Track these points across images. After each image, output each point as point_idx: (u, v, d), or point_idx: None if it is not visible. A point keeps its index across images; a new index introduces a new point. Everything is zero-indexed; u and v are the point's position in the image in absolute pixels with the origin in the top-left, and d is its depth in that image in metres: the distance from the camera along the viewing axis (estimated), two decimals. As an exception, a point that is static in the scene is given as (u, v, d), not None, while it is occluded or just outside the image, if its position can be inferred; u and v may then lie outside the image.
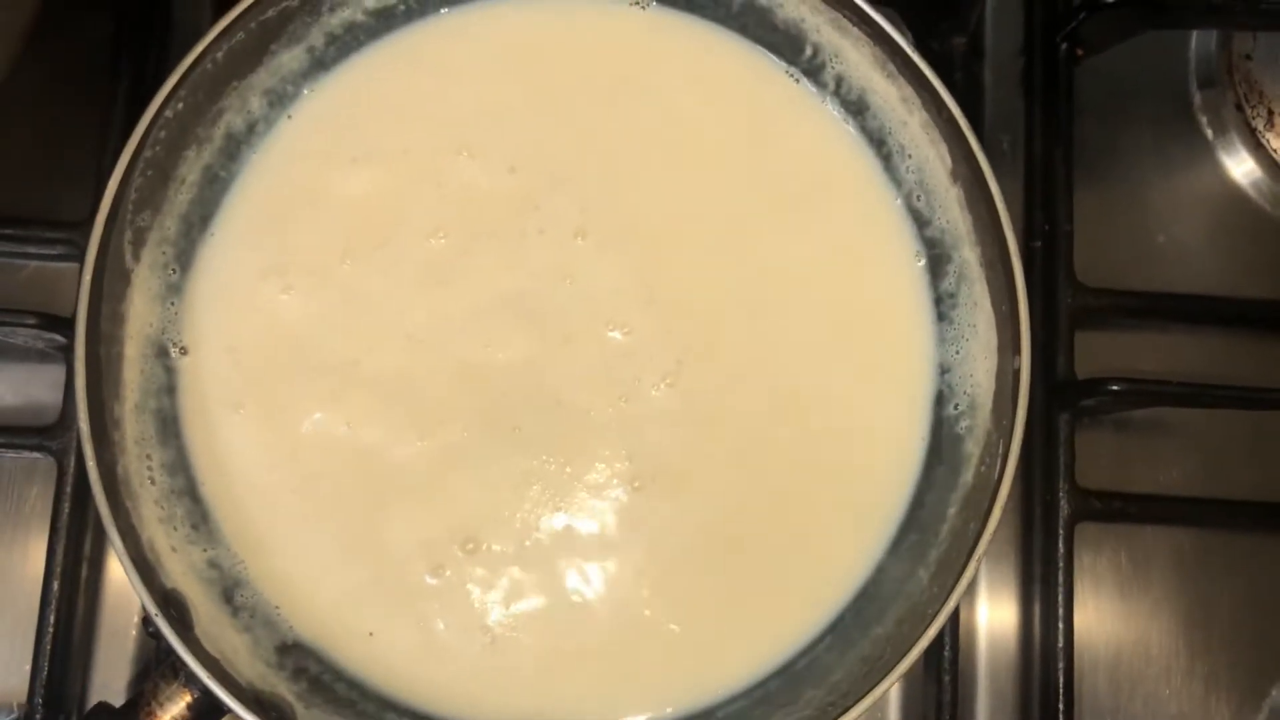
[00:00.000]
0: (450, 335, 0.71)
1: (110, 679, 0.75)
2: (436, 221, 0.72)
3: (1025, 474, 0.80)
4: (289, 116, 0.73)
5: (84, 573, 0.75)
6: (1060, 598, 0.77)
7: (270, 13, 0.68)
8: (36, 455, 0.76)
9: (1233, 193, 0.85)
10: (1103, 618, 0.80)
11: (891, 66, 0.69)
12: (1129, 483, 0.81)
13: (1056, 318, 0.80)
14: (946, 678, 0.75)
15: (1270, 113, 0.83)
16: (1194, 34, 0.87)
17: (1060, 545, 0.78)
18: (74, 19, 0.80)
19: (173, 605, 0.63)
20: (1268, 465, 0.81)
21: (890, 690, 0.74)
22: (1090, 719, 0.79)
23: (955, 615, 0.75)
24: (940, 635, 0.73)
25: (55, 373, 0.77)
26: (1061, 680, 0.76)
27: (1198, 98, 0.86)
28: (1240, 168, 0.85)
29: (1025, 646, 0.79)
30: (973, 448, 0.68)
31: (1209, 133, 0.86)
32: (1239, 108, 0.84)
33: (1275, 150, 0.84)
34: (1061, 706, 0.75)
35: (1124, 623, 0.80)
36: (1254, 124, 0.84)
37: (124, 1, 0.80)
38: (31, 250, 0.78)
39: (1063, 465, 0.78)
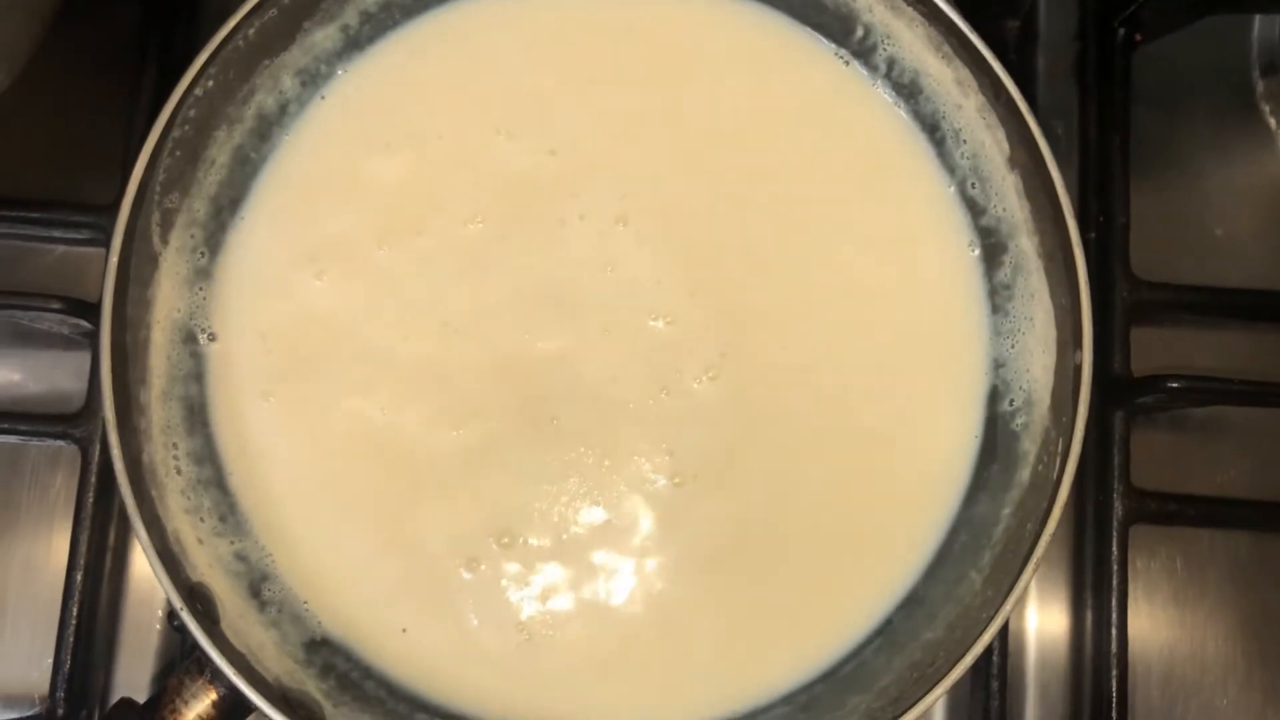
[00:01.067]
0: (488, 324, 0.69)
1: (134, 674, 0.73)
2: (474, 207, 0.70)
3: (1079, 475, 0.74)
4: (322, 97, 0.71)
5: (108, 564, 0.74)
6: (1114, 603, 0.74)
7: (304, -12, 0.66)
8: (60, 443, 0.74)
9: (1295, 183, 0.82)
10: (1157, 624, 0.77)
11: (947, 48, 0.66)
12: (1185, 484, 0.77)
13: (1112, 313, 0.77)
14: (995, 684, 0.72)
15: (1336, 101, 0.80)
16: (1257, 19, 0.83)
17: (1114, 548, 0.75)
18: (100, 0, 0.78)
19: (198, 599, 0.61)
20: (1331, 468, 0.78)
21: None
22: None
23: (1006, 623, 0.72)
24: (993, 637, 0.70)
25: (80, 360, 0.75)
26: (1115, 689, 0.73)
27: (1260, 85, 0.83)
28: (1303, 157, 0.82)
29: (1076, 653, 0.76)
30: (1029, 445, 0.65)
31: (1272, 122, 0.83)
32: (1303, 94, 0.81)
33: (1340, 140, 0.80)
34: (1114, 716, 0.73)
35: (1179, 630, 0.77)
36: (1318, 111, 0.80)
37: (151, -18, 0.78)
38: (58, 234, 0.76)
39: (1117, 465, 0.75)
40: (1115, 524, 0.75)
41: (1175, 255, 0.80)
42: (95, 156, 0.77)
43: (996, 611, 0.60)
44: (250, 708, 0.59)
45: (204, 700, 0.60)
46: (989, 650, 0.71)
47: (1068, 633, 0.77)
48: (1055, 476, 0.61)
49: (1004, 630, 0.73)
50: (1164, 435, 0.79)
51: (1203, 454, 0.79)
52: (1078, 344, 0.62)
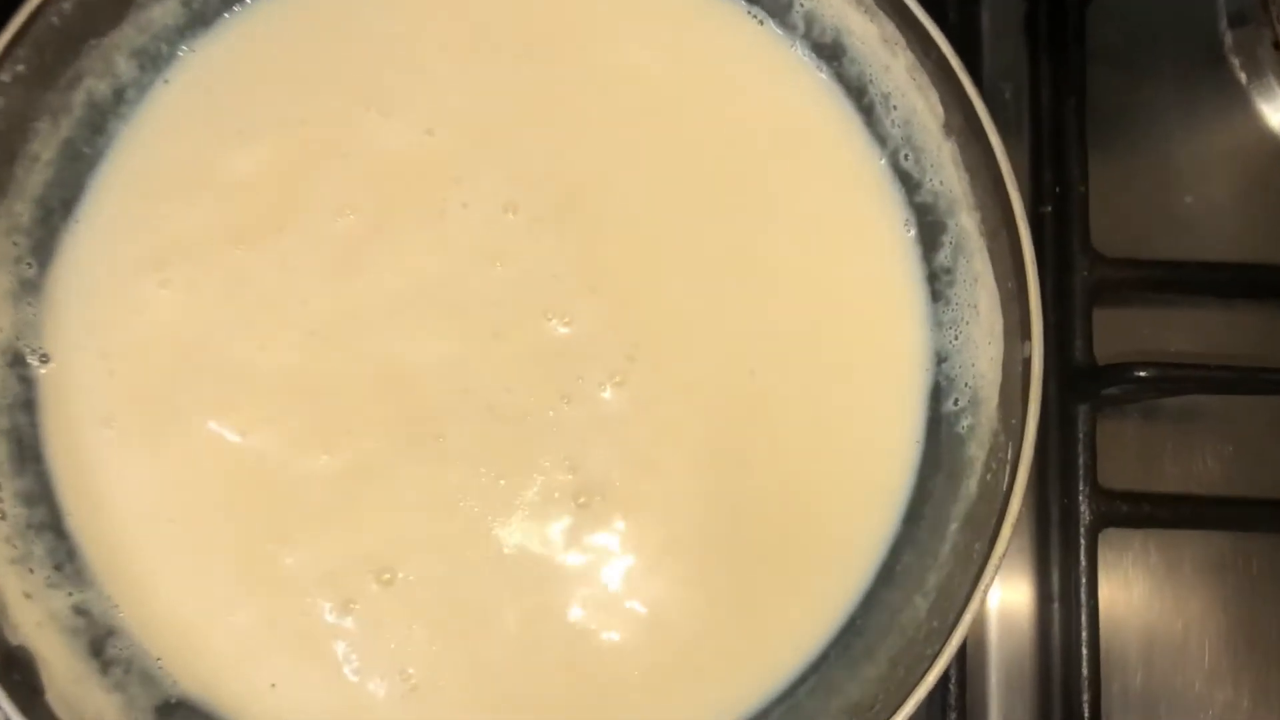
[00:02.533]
0: (360, 330, 0.61)
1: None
2: (342, 197, 0.62)
3: (1040, 475, 0.70)
4: (165, 81, 0.63)
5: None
6: (1083, 618, 0.67)
7: (129, -47, 0.58)
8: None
9: (1271, 145, 0.75)
10: (1131, 637, 0.70)
11: (870, 0, 0.58)
12: (1158, 482, 0.71)
13: (1071, 294, 0.70)
14: (954, 715, 0.64)
15: (1313, 51, 0.72)
16: (1223, -37, 0.76)
17: (1082, 557, 0.68)
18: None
19: (16, 667, 0.52)
20: (1319, 458, 0.71)
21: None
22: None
23: (962, 648, 0.65)
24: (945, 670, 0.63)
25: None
26: (1086, 713, 0.66)
27: (1229, 37, 0.75)
28: (1278, 114, 0.74)
29: (1043, 676, 0.69)
30: (976, 451, 0.58)
31: (1242, 77, 0.75)
32: (1276, 46, 0.73)
33: (1319, 94, 0.73)
34: (1086, 745, 0.65)
35: (1156, 642, 0.70)
36: (1294, 64, 0.72)
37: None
38: None
39: (1082, 464, 0.68)
40: (1083, 529, 0.68)
41: (1140, 228, 0.73)
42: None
43: (944, 645, 0.52)
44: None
45: (22, 786, 0.52)
46: (946, 680, 0.64)
47: (1033, 653, 0.69)
48: (1005, 488, 0.53)
49: (962, 656, 0.65)
50: (1132, 428, 0.72)
51: (1176, 447, 0.72)
52: (1026, 334, 0.54)
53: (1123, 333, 0.71)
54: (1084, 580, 0.67)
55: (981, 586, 0.53)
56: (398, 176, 0.62)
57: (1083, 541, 0.68)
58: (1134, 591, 0.70)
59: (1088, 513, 0.68)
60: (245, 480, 0.60)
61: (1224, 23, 0.76)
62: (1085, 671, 0.66)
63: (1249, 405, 0.71)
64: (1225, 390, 0.68)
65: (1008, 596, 0.70)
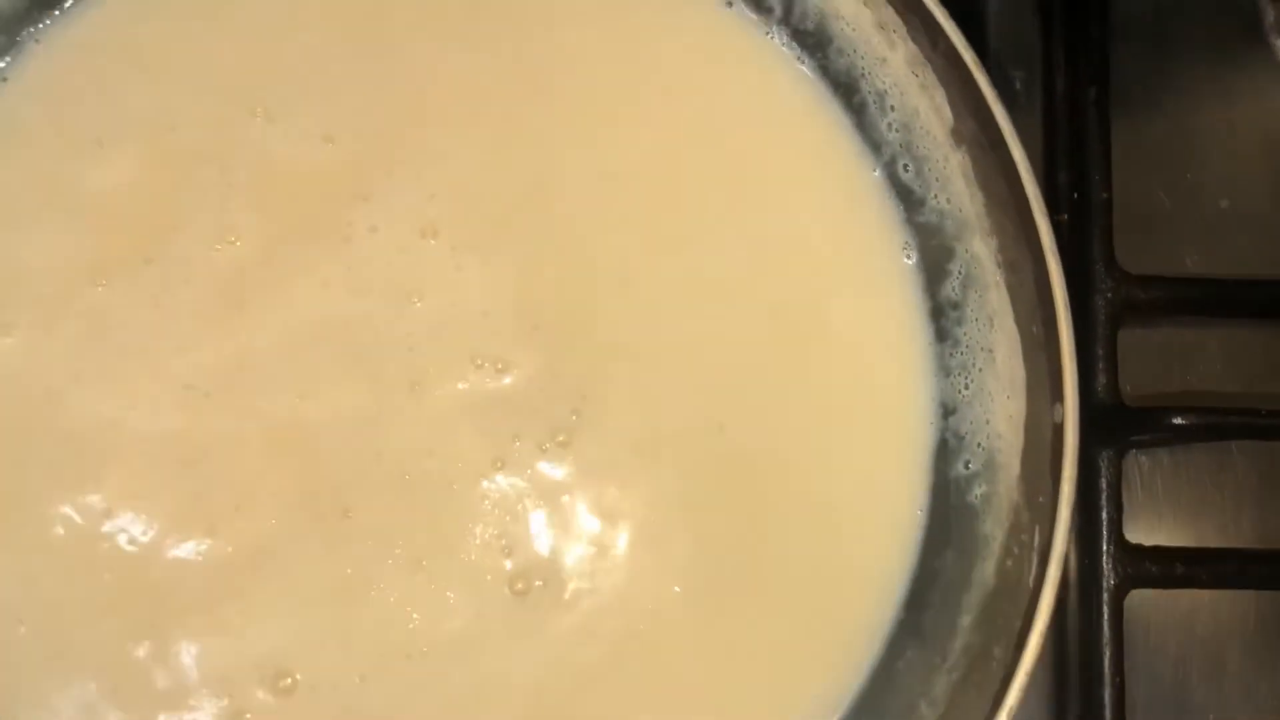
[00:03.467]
0: (249, 383, 0.52)
1: None
2: (223, 220, 0.53)
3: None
4: (3, 79, 0.53)
5: None
6: (1107, 697, 0.58)
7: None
8: None
9: (1319, 139, 0.66)
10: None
11: (862, -22, 0.49)
12: (1191, 535, 0.62)
13: (1092, 318, 0.61)
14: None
15: (1368, 29, 0.63)
16: (1262, -75, 0.66)
17: (1105, 625, 0.59)
18: None
19: None
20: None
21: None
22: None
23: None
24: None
25: None
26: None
27: (1271, 13, 0.66)
28: (1328, 101, 0.66)
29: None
30: (993, 528, 0.49)
31: (1285, 56, 0.66)
32: (1326, 25, 0.64)
33: (1375, 80, 0.64)
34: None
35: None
36: (1346, 42, 0.64)
37: None
38: None
39: (1106, 519, 0.60)
40: (1107, 593, 0.60)
41: (1170, 239, 0.64)
42: None
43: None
44: None
45: None
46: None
47: (1048, 734, 0.61)
48: (1032, 582, 0.44)
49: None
50: (1160, 472, 0.64)
51: (1211, 494, 0.63)
52: (1057, 394, 0.45)
53: (1150, 362, 0.63)
54: (1108, 652, 0.59)
55: (1005, 707, 0.43)
56: (291, 194, 0.53)
57: (1106, 607, 0.59)
58: (1162, 665, 0.62)
59: (1113, 574, 0.59)
60: (111, 571, 0.50)
61: (1265, -3, 0.67)
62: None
63: (1293, 444, 0.63)
64: (1271, 436, 0.59)
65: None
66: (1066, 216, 0.62)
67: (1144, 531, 0.61)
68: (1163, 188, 0.65)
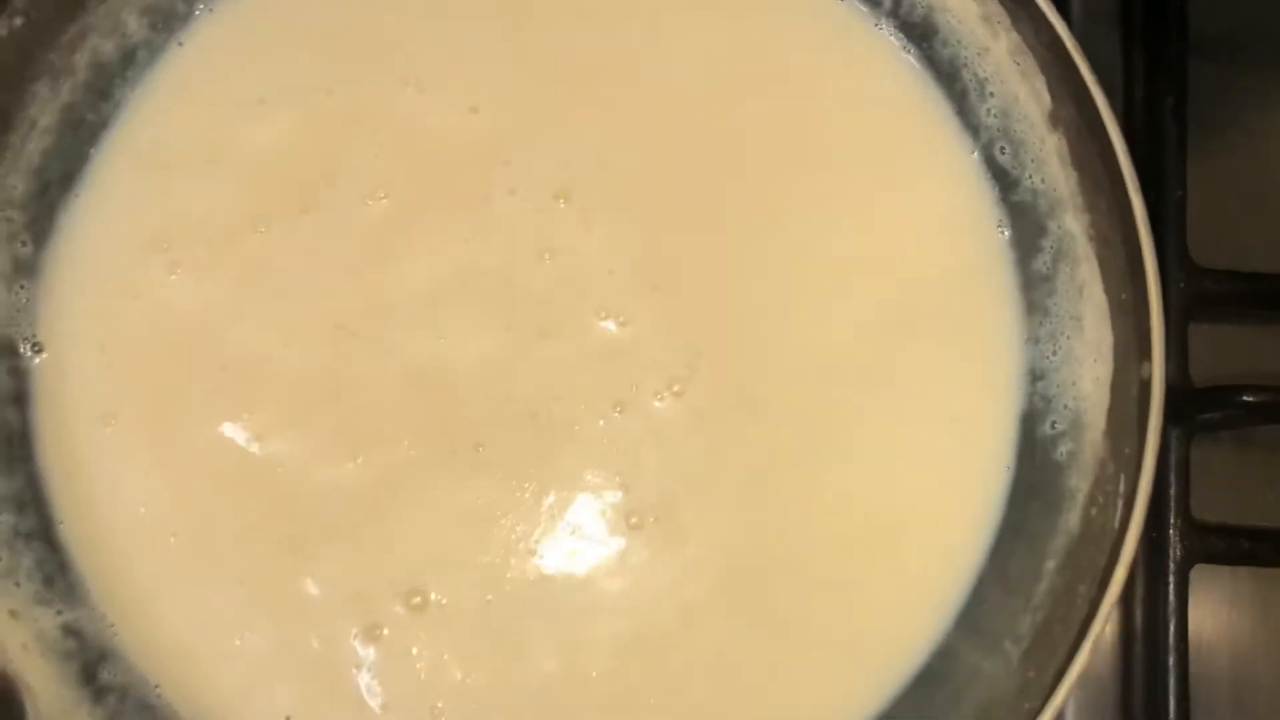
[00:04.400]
0: (393, 326, 0.56)
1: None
2: (375, 178, 0.57)
3: (1125, 505, 0.64)
4: (179, 43, 0.58)
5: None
6: (1171, 661, 0.61)
7: (144, -103, 0.52)
8: None
9: (1383, 149, 0.69)
10: (1217, 692, 0.64)
11: (972, -27, 0.53)
12: (1254, 515, 0.64)
13: (1166, 308, 0.63)
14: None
15: None
16: (1336, -52, 0.70)
17: (1171, 595, 0.62)
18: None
19: (-1, 698, 0.47)
20: None
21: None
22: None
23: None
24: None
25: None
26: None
27: (1338, 33, 0.70)
28: (1393, 118, 0.69)
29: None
30: (1078, 481, 0.52)
31: (1354, 75, 0.69)
32: (1393, 43, 0.67)
33: None
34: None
35: (1251, 695, 0.64)
36: None
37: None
38: None
39: (1174, 495, 0.62)
40: (1172, 565, 0.62)
41: (1241, 237, 0.67)
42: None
43: (1044, 704, 0.46)
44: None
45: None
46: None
47: (1115, 697, 0.63)
48: (1117, 526, 0.48)
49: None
50: (1225, 455, 0.66)
51: (1273, 476, 0.66)
52: (1145, 353, 0.49)
53: (1220, 352, 0.65)
54: (1173, 621, 0.62)
55: (1090, 636, 0.47)
56: (437, 157, 0.57)
57: (1172, 579, 0.62)
58: (1225, 633, 0.65)
59: (1179, 547, 0.62)
60: (261, 490, 0.54)
61: (1337, 14, 0.70)
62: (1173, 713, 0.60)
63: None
64: (1337, 418, 0.62)
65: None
66: None
67: (1210, 510, 0.63)
68: (1235, 190, 0.68)
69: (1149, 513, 0.61)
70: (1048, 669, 0.48)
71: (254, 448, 0.54)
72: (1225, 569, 0.64)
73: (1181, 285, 0.64)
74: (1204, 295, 0.64)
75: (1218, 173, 0.68)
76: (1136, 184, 0.49)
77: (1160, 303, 0.49)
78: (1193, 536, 0.62)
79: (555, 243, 0.56)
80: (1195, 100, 0.67)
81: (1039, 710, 0.46)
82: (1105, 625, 0.47)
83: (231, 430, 0.54)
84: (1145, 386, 0.48)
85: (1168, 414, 0.62)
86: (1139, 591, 0.64)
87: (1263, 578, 0.65)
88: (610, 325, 0.55)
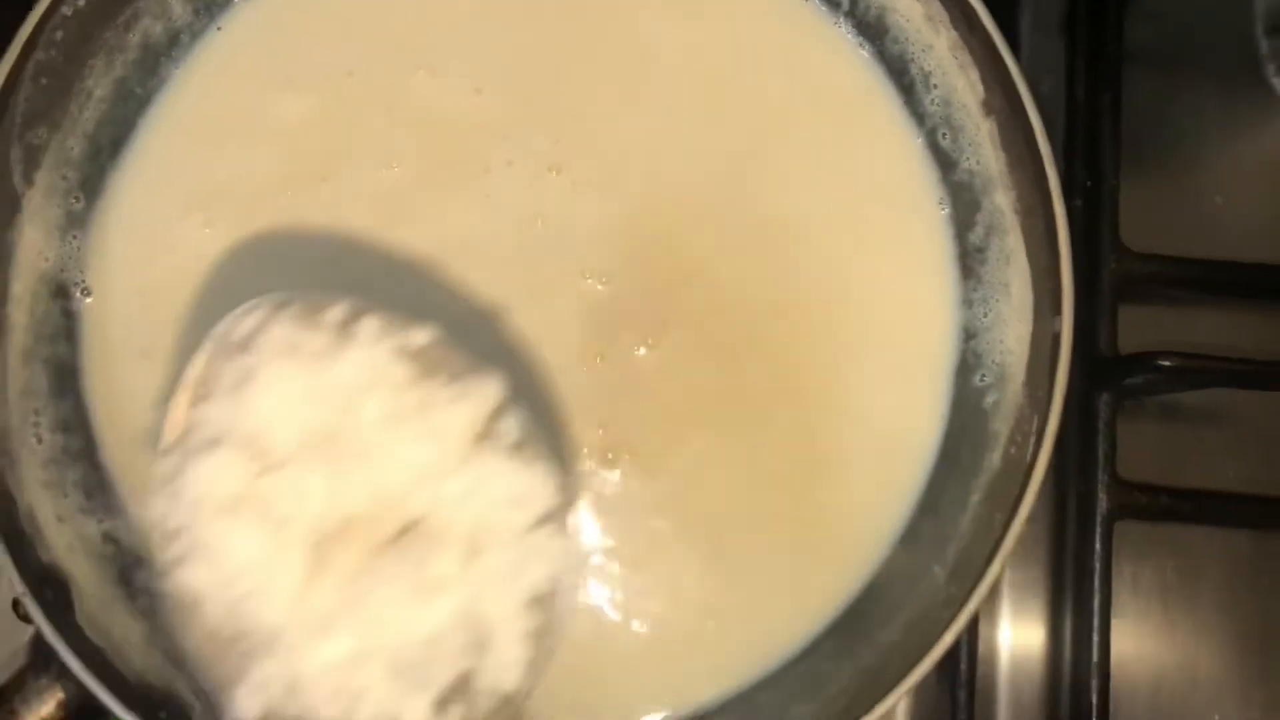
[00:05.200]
0: (399, 281, 0.62)
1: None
2: (389, 150, 0.63)
3: (1058, 464, 0.70)
4: (218, 28, 0.64)
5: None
6: (1096, 606, 0.67)
7: (189, -103, 0.59)
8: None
9: (1302, 150, 0.75)
10: (1143, 632, 0.70)
11: (916, -22, 0.59)
12: (1177, 478, 0.70)
13: (1098, 286, 0.70)
14: (963, 694, 0.65)
15: (1348, 60, 0.73)
16: (1262, -28, 0.76)
17: (1097, 546, 0.68)
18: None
19: (50, 584, 0.53)
20: (1336, 461, 0.71)
21: (898, 708, 0.66)
22: (1127, 741, 0.69)
23: (974, 625, 0.66)
24: (957, 647, 0.64)
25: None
26: (1095, 703, 0.66)
27: (1265, 45, 0.76)
28: (1311, 123, 0.75)
29: (1054, 663, 0.69)
30: (1000, 425, 0.58)
31: (1277, 84, 0.76)
32: (1312, 56, 0.74)
33: (1352, 104, 0.73)
34: (1094, 733, 0.66)
35: (1169, 639, 0.70)
36: (1328, 73, 0.73)
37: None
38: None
39: (1101, 454, 0.69)
40: (1099, 519, 0.69)
41: (1169, 226, 0.73)
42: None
43: (959, 610, 0.52)
44: (104, 710, 0.52)
45: (47, 701, 0.53)
46: (956, 657, 0.65)
47: (1045, 641, 0.70)
48: (1029, 459, 0.54)
49: (973, 635, 0.67)
50: (1152, 424, 0.72)
51: (1196, 445, 0.72)
52: (1056, 309, 0.55)
53: (1147, 327, 0.71)
54: (1098, 569, 0.68)
55: (1001, 554, 0.53)
56: (444, 133, 0.63)
57: (1098, 531, 0.68)
58: (1147, 591, 0.71)
59: (1106, 502, 0.68)
60: None
61: (1260, 29, 0.76)
62: (1095, 658, 0.66)
63: (1267, 405, 0.72)
64: (1246, 384, 0.68)
65: (1021, 588, 0.70)
66: (1080, 202, 0.71)
67: (1135, 471, 0.69)
68: (1164, 183, 0.74)
69: (1079, 471, 0.69)
70: (966, 585, 0.54)
71: None
72: (1152, 526, 0.70)
73: (1113, 267, 0.70)
74: (1134, 276, 0.70)
75: (1151, 168, 0.74)
76: (1053, 162, 0.56)
77: (1070, 265, 0.55)
78: (1119, 493, 0.68)
79: (546, 210, 0.62)
80: (1132, 101, 0.73)
81: (955, 616, 0.53)
82: (1014, 543, 0.53)
83: None
84: (1056, 339, 0.55)
85: (1097, 381, 0.69)
86: (1070, 544, 0.70)
87: (1183, 536, 0.71)
88: (594, 284, 0.62)
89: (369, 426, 0.45)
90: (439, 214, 0.62)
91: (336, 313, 0.47)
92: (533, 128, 0.63)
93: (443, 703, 0.45)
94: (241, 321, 0.48)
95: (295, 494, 0.45)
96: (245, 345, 0.47)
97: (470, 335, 0.59)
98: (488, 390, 0.47)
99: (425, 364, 0.46)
